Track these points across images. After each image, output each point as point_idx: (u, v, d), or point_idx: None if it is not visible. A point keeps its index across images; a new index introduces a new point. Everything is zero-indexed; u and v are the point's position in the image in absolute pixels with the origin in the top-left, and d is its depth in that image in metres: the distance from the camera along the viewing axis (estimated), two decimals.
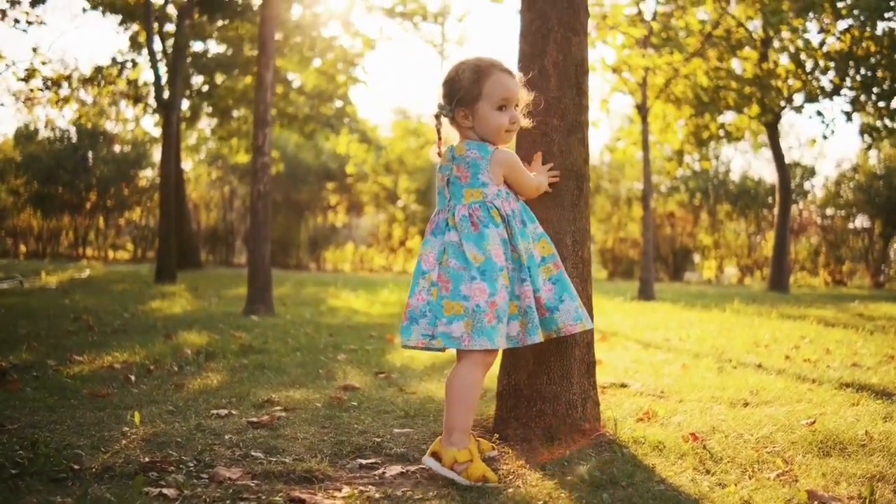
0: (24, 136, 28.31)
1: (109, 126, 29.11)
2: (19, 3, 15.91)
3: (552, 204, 3.43)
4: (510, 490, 2.69)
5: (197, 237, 26.51)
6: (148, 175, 29.33)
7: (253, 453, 3.05)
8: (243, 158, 23.13)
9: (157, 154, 28.27)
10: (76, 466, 2.73)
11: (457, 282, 2.91)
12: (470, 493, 2.66)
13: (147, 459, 2.85)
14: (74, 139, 28.09)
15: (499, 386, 3.51)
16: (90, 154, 28.30)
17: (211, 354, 5.57)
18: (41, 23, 15.89)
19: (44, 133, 28.50)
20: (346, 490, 2.67)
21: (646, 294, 14.42)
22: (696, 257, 29.90)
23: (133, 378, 4.55)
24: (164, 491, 2.53)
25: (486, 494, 2.64)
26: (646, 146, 15.18)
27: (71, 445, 2.99)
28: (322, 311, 9.78)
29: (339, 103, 21.90)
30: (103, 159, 28.27)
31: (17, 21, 16.25)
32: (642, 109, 15.04)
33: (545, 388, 3.37)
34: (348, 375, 4.97)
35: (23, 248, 27.32)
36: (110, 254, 28.56)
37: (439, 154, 3.14)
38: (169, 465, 2.82)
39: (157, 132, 26.58)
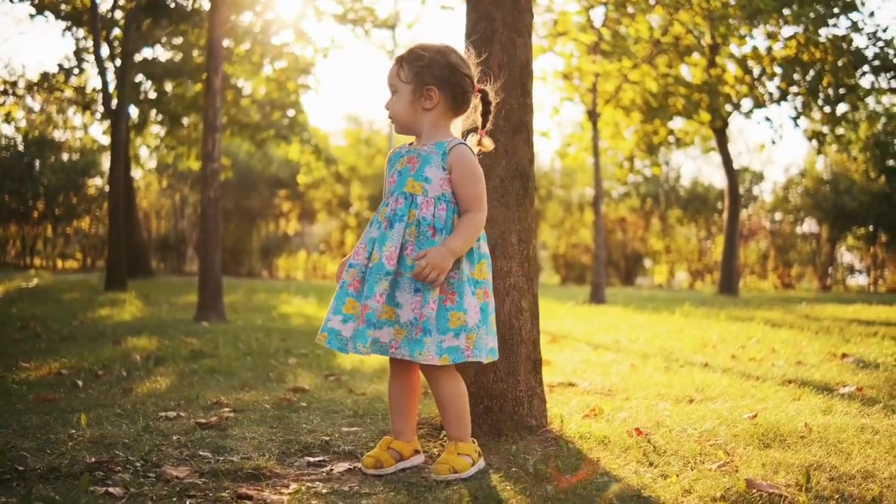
0: None
1: (57, 134, 28.69)
2: None
3: (498, 203, 3.47)
4: (456, 484, 2.72)
5: (147, 245, 26.19)
6: (97, 183, 28.94)
7: (201, 453, 3.05)
8: (194, 165, 22.93)
9: (105, 162, 27.91)
10: (21, 468, 2.71)
11: None
12: (417, 486, 2.69)
13: (93, 460, 2.84)
14: (21, 147, 27.66)
15: None
16: (37, 162, 27.87)
17: (160, 360, 5.53)
18: None
19: None
20: (293, 486, 2.69)
21: (597, 298, 14.55)
22: (648, 262, 30.22)
23: (80, 383, 4.51)
24: (111, 490, 2.53)
25: (432, 488, 2.67)
26: (596, 152, 15.34)
27: (16, 448, 2.97)
28: (273, 317, 9.75)
29: (290, 112, 21.80)
30: (51, 168, 27.84)
31: None
32: (593, 115, 15.19)
33: (492, 385, 3.41)
34: (298, 378, 4.98)
35: None
36: (59, 263, 28.13)
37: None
38: (115, 465, 2.81)
39: (105, 140, 26.25)
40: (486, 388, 3.40)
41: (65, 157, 28.52)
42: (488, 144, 3.07)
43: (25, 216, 27.42)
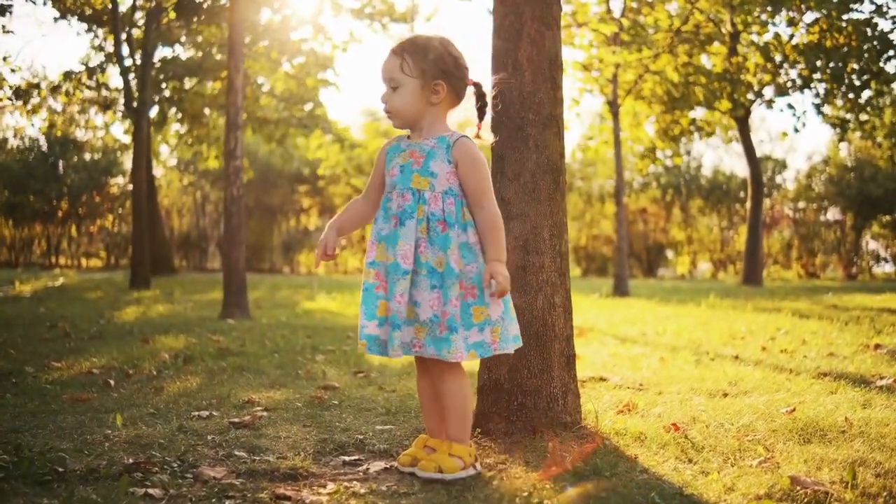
0: None
1: (79, 134, 28.90)
2: None
3: (529, 198, 3.44)
4: (495, 482, 2.70)
5: (170, 243, 26.35)
6: (119, 182, 29.15)
7: (236, 453, 3.04)
8: (214, 164, 23.01)
9: (127, 161, 28.08)
10: (61, 469, 2.72)
11: None
12: (454, 486, 2.68)
13: (131, 461, 2.84)
14: (44, 147, 27.89)
15: (479, 381, 3.52)
16: (60, 162, 28.10)
17: (189, 358, 5.54)
18: (8, 31, 15.71)
19: (13, 142, 28.25)
20: (330, 486, 2.68)
21: (620, 290, 14.50)
22: (670, 253, 30.07)
23: (112, 382, 4.52)
24: (150, 491, 2.53)
25: (471, 487, 2.65)
26: (617, 142, 15.27)
27: (54, 449, 2.97)
28: (298, 314, 9.76)
29: (309, 105, 21.82)
30: (74, 167, 28.07)
31: None
32: (613, 106, 15.12)
33: (526, 382, 3.39)
34: (327, 375, 4.97)
35: None
36: (83, 262, 28.33)
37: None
38: (153, 465, 2.81)
39: (126, 139, 26.39)
40: (520, 385, 3.38)
41: (87, 156, 28.73)
42: (487, 137, 3.02)
43: (50, 216, 27.65)
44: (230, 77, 9.42)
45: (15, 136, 28.23)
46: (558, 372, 3.43)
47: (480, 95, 2.97)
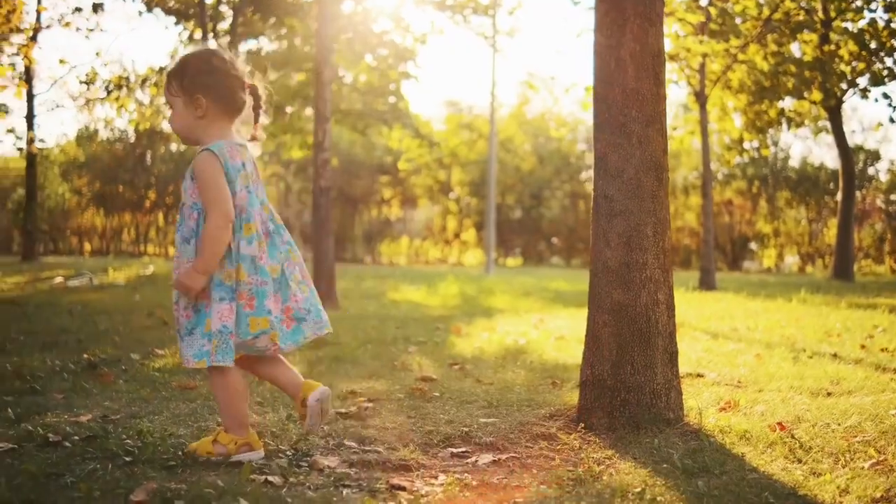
0: (86, 136, 28.93)
1: (165, 125, 29.65)
2: (81, 9, 16.33)
3: (632, 195, 3.44)
4: (605, 478, 2.72)
5: None
6: None
7: (346, 443, 3.12)
8: (298, 154, 23.35)
9: None
10: (182, 455, 2.84)
11: None
12: (567, 482, 2.70)
13: None
14: (133, 139, 28.69)
15: (582, 376, 3.54)
16: (148, 153, 28.89)
17: None
18: (101, 29, 16.25)
19: (103, 133, 29.12)
20: (442, 478, 2.74)
21: (707, 284, 14.28)
22: (755, 246, 29.50)
23: None
24: (270, 478, 2.62)
25: (583, 482, 2.68)
26: (704, 134, 15.03)
27: (174, 435, 3.10)
28: (385, 304, 9.87)
29: (391, 99, 21.96)
30: (161, 158, 28.83)
31: (78, 28, 16.74)
32: (700, 97, 14.88)
33: (629, 378, 3.40)
34: (423, 367, 5.04)
35: (87, 246, 27.92)
36: (170, 250, 29.04)
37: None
38: (268, 454, 2.90)
39: None
40: (623, 381, 3.39)
41: (173, 147, 29.46)
42: (261, 136, 3.11)
43: (138, 205, 28.40)
44: (318, 70, 9.55)
45: (105, 126, 29.09)
46: (661, 368, 3.43)
47: (255, 98, 3.09)
